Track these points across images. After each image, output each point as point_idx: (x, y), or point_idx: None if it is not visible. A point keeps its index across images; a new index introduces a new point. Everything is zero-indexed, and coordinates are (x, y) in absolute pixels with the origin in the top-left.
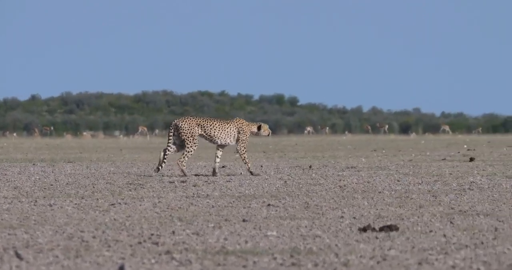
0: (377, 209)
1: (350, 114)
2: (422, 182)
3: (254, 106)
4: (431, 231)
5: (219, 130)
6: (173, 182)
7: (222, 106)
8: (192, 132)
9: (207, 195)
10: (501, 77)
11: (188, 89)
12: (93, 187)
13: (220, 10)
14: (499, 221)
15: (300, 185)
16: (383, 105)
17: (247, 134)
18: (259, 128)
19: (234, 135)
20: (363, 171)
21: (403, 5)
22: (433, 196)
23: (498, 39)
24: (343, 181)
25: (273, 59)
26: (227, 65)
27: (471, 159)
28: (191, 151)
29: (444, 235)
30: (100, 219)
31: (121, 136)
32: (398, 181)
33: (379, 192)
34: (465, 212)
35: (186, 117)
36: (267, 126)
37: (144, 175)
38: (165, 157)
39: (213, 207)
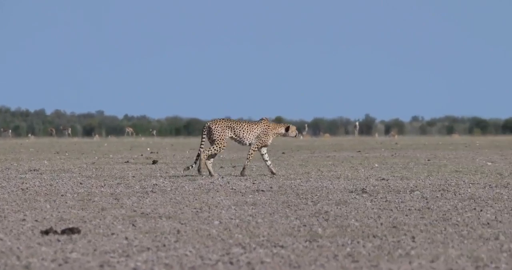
0: (59, 212)
1: (33, 117)
2: (105, 185)
3: None
4: (113, 234)
5: (247, 131)
6: None
7: None
8: (223, 135)
9: None
10: (206, 83)
11: None
12: None
13: None
14: (182, 224)
15: None
16: (66, 107)
17: (268, 136)
18: (287, 129)
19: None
20: (46, 173)
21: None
22: (115, 198)
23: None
24: (26, 183)
25: None
26: None
27: (154, 162)
28: (217, 150)
29: (126, 238)
30: None
31: None
32: (81, 183)
33: (62, 195)
34: (147, 214)
35: (218, 120)
36: (295, 127)
37: None
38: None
39: None
